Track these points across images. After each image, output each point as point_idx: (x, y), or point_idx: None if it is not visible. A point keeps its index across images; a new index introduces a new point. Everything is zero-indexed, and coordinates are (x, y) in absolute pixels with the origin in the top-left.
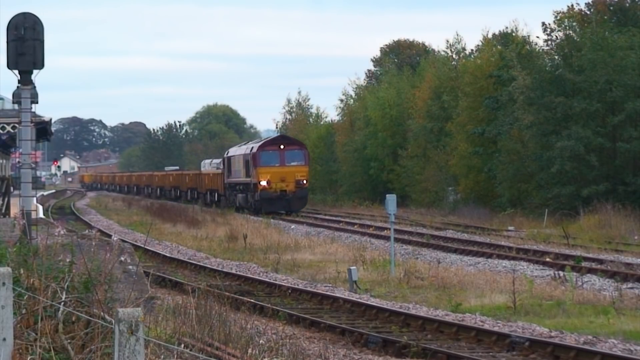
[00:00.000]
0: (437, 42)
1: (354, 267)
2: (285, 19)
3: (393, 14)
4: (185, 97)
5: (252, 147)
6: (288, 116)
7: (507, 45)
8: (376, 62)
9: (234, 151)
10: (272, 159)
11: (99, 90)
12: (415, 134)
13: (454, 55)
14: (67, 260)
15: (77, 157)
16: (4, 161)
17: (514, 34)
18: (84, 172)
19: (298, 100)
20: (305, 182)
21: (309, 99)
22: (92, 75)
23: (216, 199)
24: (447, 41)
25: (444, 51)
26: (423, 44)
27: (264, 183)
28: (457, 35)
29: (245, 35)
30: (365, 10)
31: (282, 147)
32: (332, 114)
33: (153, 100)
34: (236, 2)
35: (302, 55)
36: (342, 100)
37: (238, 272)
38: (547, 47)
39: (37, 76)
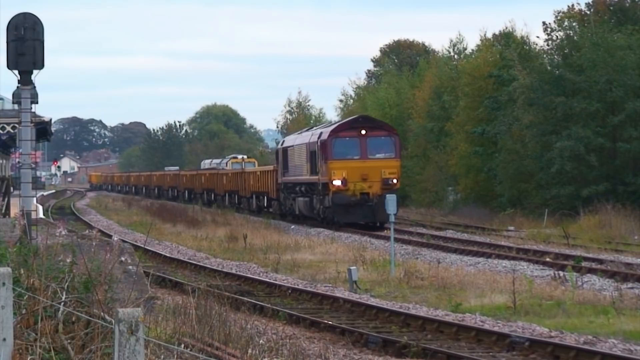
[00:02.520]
0: (437, 42)
1: (354, 267)
2: (290, 19)
3: (396, 14)
4: (187, 97)
5: (321, 133)
6: (289, 116)
7: (507, 45)
8: (376, 62)
9: (293, 140)
10: (349, 148)
11: (100, 91)
12: (415, 134)
13: (455, 55)
14: (68, 260)
15: (77, 157)
16: (4, 161)
17: (513, 34)
18: (92, 172)
19: (298, 100)
20: (395, 181)
21: (309, 100)
22: (95, 75)
23: (265, 203)
24: (451, 40)
25: (447, 49)
26: (423, 44)
27: (337, 183)
28: (460, 35)
29: (250, 35)
30: (370, 10)
31: (363, 132)
32: (331, 114)
33: (154, 100)
34: (242, 2)
35: (305, 55)
36: (342, 101)
37: (238, 272)
38: (548, 47)
39: (37, 76)
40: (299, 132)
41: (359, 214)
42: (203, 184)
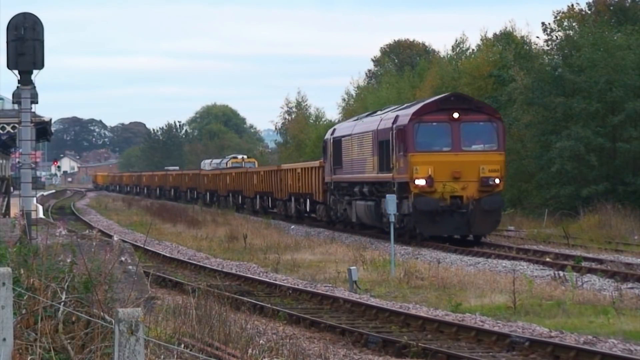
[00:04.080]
0: (437, 42)
1: (354, 267)
2: (293, 19)
3: (398, 14)
4: (188, 97)
5: (397, 117)
6: (287, 116)
7: (507, 45)
8: (376, 62)
9: (349, 127)
10: (437, 137)
11: (101, 90)
12: None
13: (456, 55)
14: (68, 260)
15: (77, 157)
16: (4, 161)
17: (513, 34)
18: (97, 172)
19: (297, 100)
20: (498, 181)
21: (306, 100)
22: (95, 75)
23: (307, 208)
24: (456, 40)
25: (451, 49)
26: (423, 44)
27: (420, 182)
28: (464, 34)
29: (252, 35)
30: (372, 10)
31: (455, 115)
32: (329, 114)
33: (155, 100)
34: (244, 2)
35: (307, 55)
36: (344, 100)
37: (238, 272)
38: (547, 47)
39: (37, 76)
40: (356, 117)
41: (448, 224)
42: (228, 185)
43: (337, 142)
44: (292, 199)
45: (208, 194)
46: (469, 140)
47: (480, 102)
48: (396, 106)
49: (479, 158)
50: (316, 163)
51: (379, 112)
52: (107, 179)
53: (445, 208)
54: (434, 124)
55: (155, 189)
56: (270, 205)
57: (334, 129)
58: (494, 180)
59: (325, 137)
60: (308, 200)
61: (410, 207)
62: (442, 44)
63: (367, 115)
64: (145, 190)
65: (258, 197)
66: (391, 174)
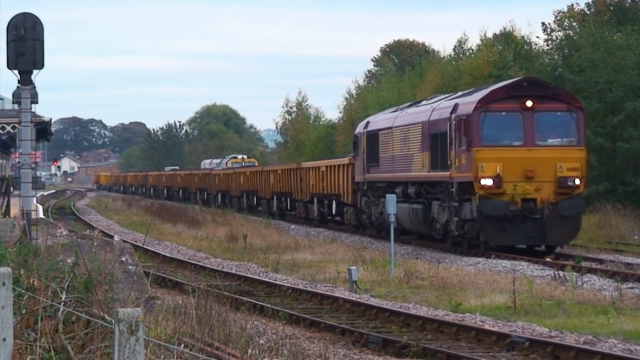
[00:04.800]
0: (438, 42)
1: (354, 267)
2: (294, 19)
3: (398, 14)
4: (188, 97)
5: (456, 106)
6: (287, 116)
7: (507, 45)
8: (376, 62)
9: (388, 119)
10: (506, 129)
11: (102, 90)
12: None
13: (459, 55)
14: (68, 260)
15: (77, 157)
16: (4, 161)
17: (512, 34)
18: (100, 172)
19: (297, 100)
20: (578, 181)
21: (307, 100)
22: (95, 75)
23: (333, 210)
24: (458, 40)
25: (453, 49)
26: (423, 44)
27: (487, 182)
28: (465, 34)
29: (254, 35)
30: (373, 10)
31: (529, 103)
32: (329, 114)
33: (155, 100)
34: (245, 2)
35: (307, 55)
36: (346, 99)
37: (238, 272)
38: (548, 47)
39: (37, 76)
40: (395, 108)
41: (519, 233)
42: (242, 185)
43: (373, 136)
44: (315, 200)
45: (220, 195)
46: (544, 133)
47: (558, 88)
48: (447, 95)
49: (555, 154)
50: (344, 160)
51: (424, 102)
52: (110, 179)
53: (516, 213)
54: (503, 113)
55: (162, 190)
56: (287, 207)
57: (368, 122)
58: (573, 181)
59: (357, 132)
60: (334, 202)
61: (473, 212)
62: (442, 44)
63: (409, 106)
64: (151, 191)
65: (275, 198)
66: (448, 173)
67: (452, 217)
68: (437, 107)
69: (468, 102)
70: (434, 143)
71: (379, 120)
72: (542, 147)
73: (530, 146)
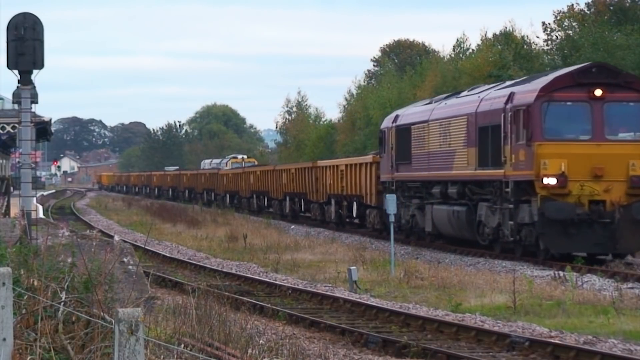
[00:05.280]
0: (438, 42)
1: (354, 267)
2: (295, 19)
3: (399, 14)
4: (189, 97)
5: (512, 95)
6: (287, 116)
7: (507, 45)
8: (376, 62)
9: (423, 112)
10: (572, 121)
11: (101, 90)
12: None
13: (459, 55)
14: (68, 260)
15: (77, 157)
16: (4, 161)
17: (512, 34)
18: (102, 172)
19: (297, 100)
20: None
21: (307, 99)
22: (95, 75)
23: (354, 213)
24: (458, 40)
25: (452, 49)
26: (423, 44)
27: (550, 181)
28: (464, 35)
29: (254, 35)
30: (375, 10)
31: (598, 92)
32: (329, 114)
33: (155, 100)
34: (246, 2)
35: (308, 55)
36: (346, 99)
37: (238, 272)
38: (548, 47)
39: (37, 76)
40: (429, 100)
41: (585, 239)
42: (252, 186)
43: (404, 131)
44: (333, 201)
45: (228, 195)
46: (615, 127)
47: (631, 75)
48: (494, 84)
49: (628, 150)
50: (368, 158)
51: (465, 93)
52: (112, 179)
53: (583, 217)
54: (569, 103)
55: (167, 190)
56: (301, 208)
57: (397, 116)
58: None
59: (383, 126)
60: (355, 203)
61: (533, 215)
62: (442, 44)
63: (447, 97)
64: (156, 192)
65: (288, 199)
66: (502, 170)
67: (505, 221)
68: (486, 97)
69: (527, 90)
70: (483, 137)
71: (411, 113)
72: (613, 142)
73: (599, 141)
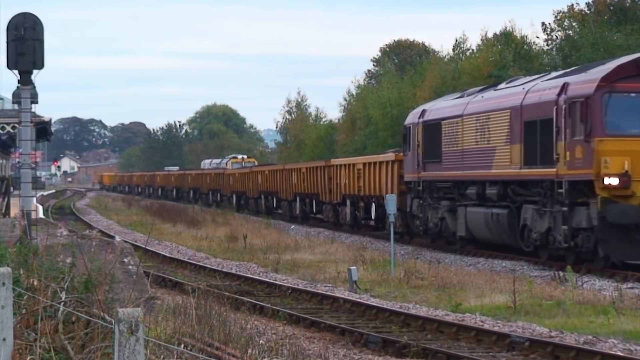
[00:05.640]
0: (438, 42)
1: (354, 267)
2: (296, 19)
3: (401, 14)
4: (189, 97)
5: (567, 85)
6: (287, 116)
7: (507, 45)
8: (376, 62)
9: (455, 106)
10: (636, 115)
11: (101, 90)
12: None
13: (459, 55)
14: (68, 260)
15: (77, 157)
16: (4, 161)
17: (512, 34)
18: (104, 172)
19: (297, 101)
20: None
21: (306, 99)
22: (96, 76)
23: (372, 214)
24: (456, 40)
25: (452, 49)
26: (423, 44)
27: (612, 181)
28: (464, 34)
29: (255, 35)
30: (376, 10)
31: None
32: (330, 114)
33: (155, 100)
34: (247, 1)
35: (308, 55)
36: (346, 99)
37: (238, 272)
38: (548, 47)
39: (37, 76)
40: (460, 94)
41: None
42: (260, 186)
43: (432, 127)
44: (348, 202)
45: (234, 196)
46: None
47: None
48: (540, 75)
49: None
50: (389, 156)
51: (503, 85)
52: (114, 179)
53: None
54: (633, 95)
55: (171, 190)
56: (312, 209)
57: (423, 111)
58: None
59: (407, 122)
60: (373, 204)
61: (592, 219)
62: (440, 44)
63: (481, 90)
64: (159, 192)
65: (298, 199)
66: (554, 169)
67: (557, 225)
68: (533, 89)
69: (585, 80)
70: (530, 133)
71: (441, 108)
72: None
73: None
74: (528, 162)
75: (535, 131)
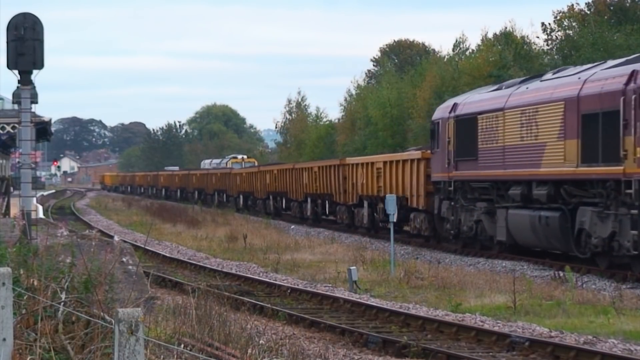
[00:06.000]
0: (438, 42)
1: (354, 267)
2: (297, 19)
3: (402, 14)
4: (189, 97)
5: (635, 73)
6: (288, 116)
7: (507, 45)
8: (375, 62)
9: (493, 99)
10: None
11: (102, 90)
12: (415, 134)
13: (459, 55)
14: (68, 260)
15: (77, 157)
16: (4, 161)
17: (512, 34)
18: (104, 172)
19: (298, 101)
20: None
21: (306, 100)
22: (96, 76)
23: (420, 222)
24: (456, 39)
25: (452, 49)
26: (423, 44)
27: None
28: (463, 35)
29: (255, 35)
30: (377, 10)
31: None
32: (330, 114)
33: (156, 100)
34: (248, 1)
35: (309, 55)
36: (346, 99)
37: (238, 272)
38: (548, 47)
39: (37, 76)
40: (498, 86)
41: None
42: (268, 186)
43: (467, 121)
44: (365, 204)
45: (242, 196)
46: None
47: None
48: (598, 62)
49: None
50: (415, 154)
51: (549, 76)
52: (116, 179)
53: None
54: None
55: (175, 191)
56: (323, 210)
57: (455, 104)
58: None
59: (436, 117)
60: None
61: None
62: (440, 44)
63: (525, 81)
64: (163, 192)
65: (309, 200)
66: (620, 167)
67: (624, 230)
68: (592, 78)
69: None
70: (589, 126)
71: (476, 101)
72: None
73: None
74: (587, 160)
75: (596, 125)
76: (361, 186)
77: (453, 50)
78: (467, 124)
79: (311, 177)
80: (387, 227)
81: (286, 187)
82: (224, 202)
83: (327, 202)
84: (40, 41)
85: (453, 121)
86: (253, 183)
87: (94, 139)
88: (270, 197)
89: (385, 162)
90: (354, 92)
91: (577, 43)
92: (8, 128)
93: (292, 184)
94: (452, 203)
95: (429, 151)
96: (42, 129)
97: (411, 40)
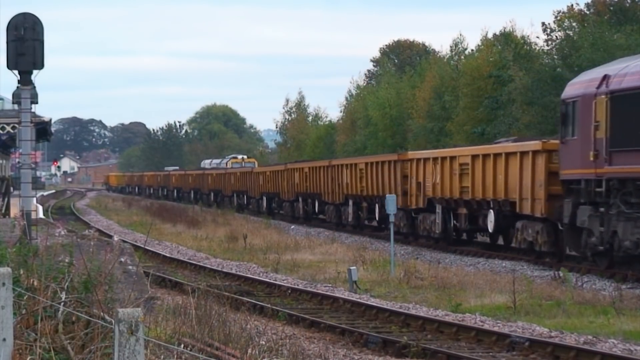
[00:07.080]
0: (438, 42)
1: (354, 267)
2: (299, 19)
3: (403, 14)
4: (190, 97)
5: None
6: (287, 116)
7: (507, 45)
8: (375, 62)
9: None
10: None
11: (101, 90)
12: (414, 134)
13: (456, 56)
14: (68, 260)
15: (77, 157)
16: (4, 161)
17: (512, 34)
18: (110, 173)
19: (297, 101)
20: None
21: (304, 99)
22: (96, 76)
23: (484, 225)
24: (454, 40)
25: (449, 49)
26: (423, 44)
27: None
28: (461, 35)
29: (257, 35)
30: (378, 10)
31: None
32: (330, 114)
33: (156, 100)
34: (249, 2)
35: (309, 55)
36: (346, 99)
37: (238, 272)
38: (547, 47)
39: (37, 76)
40: None
41: None
42: (297, 186)
43: (629, 98)
44: (438, 209)
45: (265, 198)
46: None
47: None
48: None
49: None
50: (530, 144)
51: None
52: (122, 179)
53: None
54: None
55: (188, 192)
56: (377, 218)
57: (606, 76)
58: None
59: (570, 95)
60: (492, 212)
61: None
62: (439, 44)
63: None
64: (175, 194)
65: (351, 203)
66: None
67: None
68: None
69: None
70: None
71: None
72: None
73: None
74: None
75: None
76: (433, 188)
77: (451, 51)
78: (629, 102)
79: (354, 176)
80: (472, 239)
81: (320, 188)
82: (245, 204)
83: (377, 205)
84: (40, 41)
85: (606, 98)
86: (279, 183)
87: (94, 139)
88: (300, 199)
89: (474, 156)
90: (353, 92)
91: (577, 43)
92: (8, 128)
93: (327, 185)
94: (602, 209)
95: (551, 140)
96: (42, 129)
97: (411, 40)
